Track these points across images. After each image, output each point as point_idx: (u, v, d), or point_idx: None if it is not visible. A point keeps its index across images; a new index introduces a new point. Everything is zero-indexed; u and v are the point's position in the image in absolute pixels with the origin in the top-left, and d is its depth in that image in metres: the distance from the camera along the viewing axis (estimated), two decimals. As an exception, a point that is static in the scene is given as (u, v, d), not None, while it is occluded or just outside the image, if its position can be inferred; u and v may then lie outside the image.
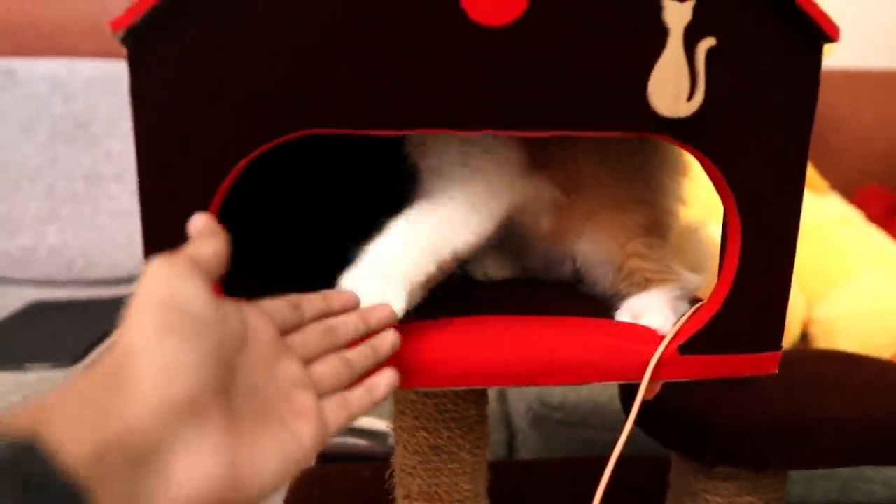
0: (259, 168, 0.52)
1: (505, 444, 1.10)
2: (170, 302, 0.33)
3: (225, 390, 0.35)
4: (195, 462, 0.31)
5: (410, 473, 0.69)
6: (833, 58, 1.70)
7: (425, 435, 0.67)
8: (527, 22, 0.46)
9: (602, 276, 0.64)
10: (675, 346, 0.54)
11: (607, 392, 1.05)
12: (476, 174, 0.57)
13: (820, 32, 0.50)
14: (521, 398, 1.10)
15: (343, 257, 0.54)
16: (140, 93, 0.47)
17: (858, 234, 1.33)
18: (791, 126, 0.51)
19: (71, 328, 1.32)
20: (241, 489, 0.33)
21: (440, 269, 0.55)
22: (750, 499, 0.74)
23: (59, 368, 1.17)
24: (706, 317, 0.54)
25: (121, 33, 0.46)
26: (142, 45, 0.46)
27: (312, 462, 0.39)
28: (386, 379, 0.45)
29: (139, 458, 0.29)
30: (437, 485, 0.68)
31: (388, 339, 0.48)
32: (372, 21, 0.46)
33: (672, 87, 0.48)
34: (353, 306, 0.48)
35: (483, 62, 0.47)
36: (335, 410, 0.42)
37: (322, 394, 0.42)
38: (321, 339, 0.44)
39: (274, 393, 0.39)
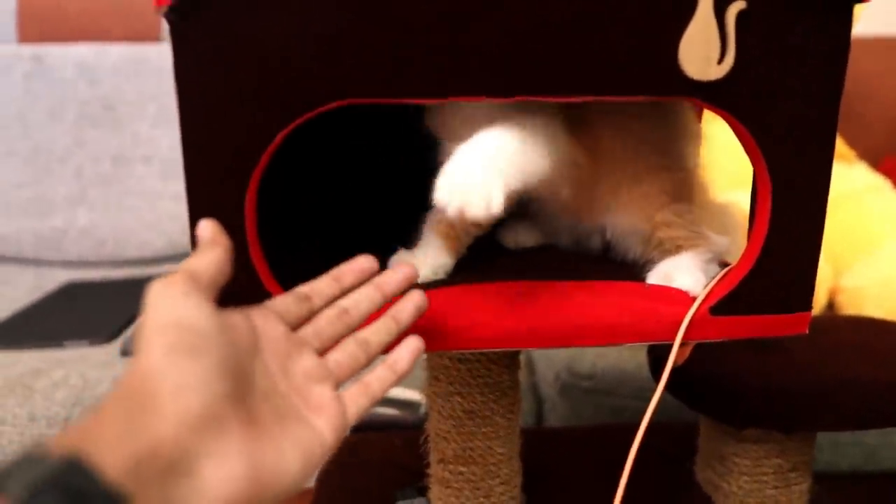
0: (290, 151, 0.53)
1: (533, 413, 1.12)
2: (174, 323, 0.35)
3: (240, 397, 0.36)
4: (221, 467, 0.33)
5: (445, 438, 0.71)
6: (861, 25, 1.67)
7: (459, 400, 0.69)
8: (560, -13, 0.47)
9: (632, 246, 0.65)
10: (706, 307, 0.55)
11: (635, 360, 1.06)
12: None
13: (849, -7, 0.50)
14: (550, 367, 1.11)
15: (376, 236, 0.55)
16: (183, 68, 0.49)
17: (885, 202, 1.32)
18: (821, 88, 0.52)
19: (105, 307, 1.36)
20: (267, 488, 0.35)
21: (520, 190, 0.51)
22: (778, 461, 0.75)
23: (96, 345, 1.21)
24: (737, 278, 0.55)
25: (164, 9, 0.47)
26: (184, 20, 0.48)
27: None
28: (407, 350, 0.46)
29: (169, 467, 0.31)
30: (471, 448, 0.70)
31: (411, 305, 0.47)
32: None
33: (702, 51, 0.49)
34: (367, 275, 0.48)
35: (514, 27, 0.48)
36: (355, 397, 0.43)
37: (341, 381, 0.43)
38: (335, 325, 0.45)
39: (290, 391, 0.40)
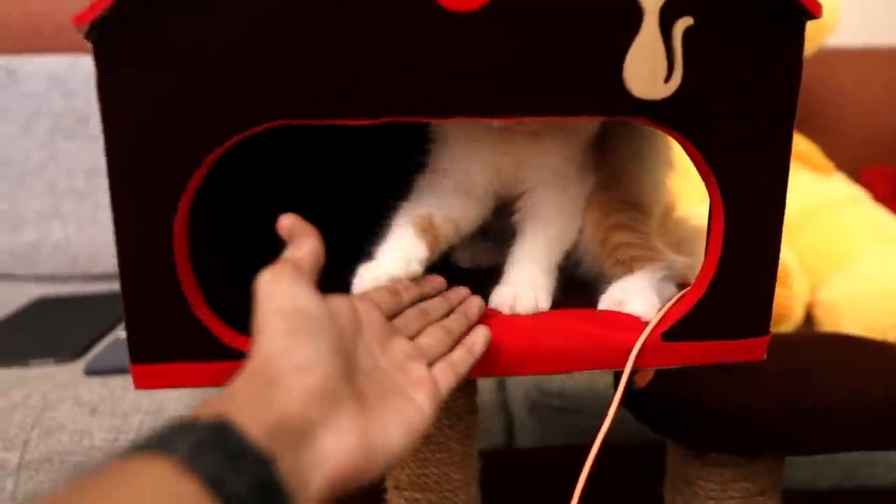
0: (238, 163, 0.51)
1: (504, 432, 1.09)
2: (290, 309, 0.38)
3: (350, 375, 0.39)
4: (337, 438, 0.36)
5: (399, 465, 0.69)
6: (838, 36, 1.67)
7: (413, 426, 0.66)
8: (496, 6, 0.45)
9: (586, 253, 0.63)
10: (658, 332, 0.53)
11: (605, 379, 1.04)
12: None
13: (801, 9, 0.48)
14: (519, 386, 1.09)
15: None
16: (107, 88, 0.47)
17: (863, 214, 1.31)
18: (774, 106, 0.50)
19: (74, 324, 1.33)
20: (375, 459, 0.38)
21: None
22: (746, 485, 0.73)
23: (61, 364, 1.18)
24: (690, 303, 0.53)
25: (85, 28, 0.45)
26: (107, 39, 0.46)
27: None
28: (481, 335, 0.51)
29: (298, 435, 0.34)
30: (426, 475, 0.68)
31: (476, 304, 0.54)
32: (340, 9, 0.45)
33: (648, 69, 0.47)
34: (440, 288, 0.56)
35: (453, 48, 0.46)
36: (444, 373, 0.46)
37: (432, 360, 0.46)
38: (419, 319, 0.50)
39: (391, 368, 0.43)
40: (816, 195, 1.33)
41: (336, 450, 0.36)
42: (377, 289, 0.50)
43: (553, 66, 0.47)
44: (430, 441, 0.67)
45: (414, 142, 0.63)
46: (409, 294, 0.52)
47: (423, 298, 0.54)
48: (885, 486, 1.07)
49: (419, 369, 0.44)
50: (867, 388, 0.71)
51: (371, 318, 0.45)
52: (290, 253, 0.42)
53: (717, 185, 0.51)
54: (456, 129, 0.60)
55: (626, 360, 0.52)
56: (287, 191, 0.74)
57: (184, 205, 0.49)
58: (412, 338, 0.48)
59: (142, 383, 0.53)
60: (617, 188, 0.63)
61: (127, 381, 1.12)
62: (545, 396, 1.05)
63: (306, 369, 0.36)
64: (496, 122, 0.55)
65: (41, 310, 1.43)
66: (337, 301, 0.43)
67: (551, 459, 1.00)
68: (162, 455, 0.29)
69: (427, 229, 0.60)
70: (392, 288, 0.51)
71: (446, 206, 0.61)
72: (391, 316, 0.49)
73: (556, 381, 1.06)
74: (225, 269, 0.59)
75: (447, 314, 0.52)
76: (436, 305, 0.52)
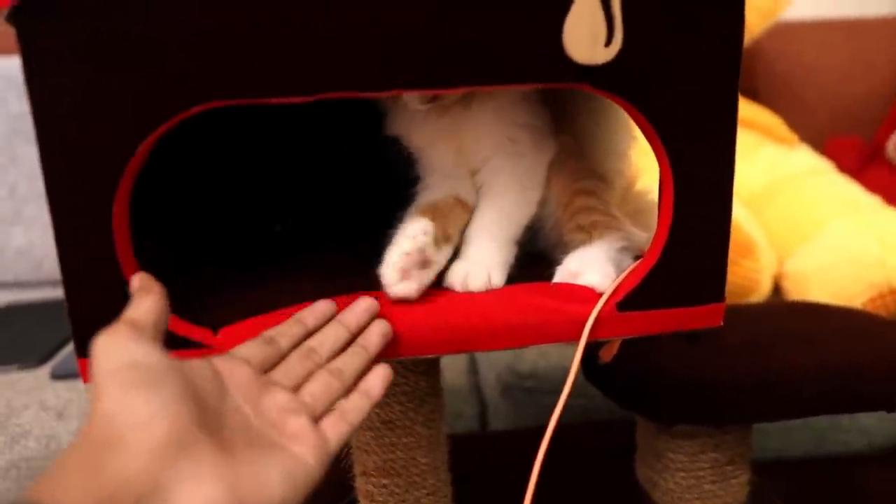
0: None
1: (477, 416, 1.09)
2: (126, 365, 0.35)
3: (209, 427, 0.35)
4: (196, 490, 0.32)
5: (366, 450, 0.68)
6: (800, 9, 1.68)
7: (377, 410, 0.66)
8: (429, -28, 0.44)
9: (548, 218, 0.63)
10: (613, 303, 0.53)
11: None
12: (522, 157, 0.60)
13: (740, -31, 0.48)
14: (491, 369, 1.09)
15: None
16: (33, 74, 0.45)
17: (828, 184, 1.31)
18: (718, 68, 0.50)
19: (40, 329, 1.31)
20: None
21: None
22: (714, 455, 0.73)
23: (26, 370, 1.16)
24: (644, 272, 0.53)
25: (6, 12, 0.44)
26: (30, 23, 0.44)
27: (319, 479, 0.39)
28: (378, 377, 0.46)
29: (143, 497, 0.31)
30: (392, 460, 0.67)
31: (376, 333, 0.49)
32: (267, -18, 0.44)
33: (588, 33, 0.47)
34: (328, 318, 0.49)
35: (387, 18, 0.45)
36: (334, 425, 0.42)
37: (318, 411, 0.42)
38: (304, 363, 0.45)
39: (264, 425, 0.39)
40: (781, 167, 1.34)
41: (197, 502, 0.32)
42: (246, 343, 0.45)
43: (491, 33, 0.46)
44: (395, 425, 0.67)
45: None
46: (288, 338, 0.46)
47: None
48: (854, 452, 1.08)
49: (298, 423, 0.40)
50: (829, 356, 0.71)
51: (237, 378, 0.41)
52: (128, 312, 0.39)
53: (665, 151, 0.50)
54: (411, 116, 0.60)
55: (581, 332, 0.52)
56: (240, 179, 0.73)
57: (122, 193, 0.48)
58: (297, 387, 0.43)
59: (90, 378, 0.52)
60: (583, 156, 0.63)
61: (93, 383, 1.11)
62: (518, 378, 1.05)
63: (147, 423, 0.33)
64: (419, 100, 0.54)
65: (5, 317, 1.41)
66: (194, 363, 0.39)
67: (525, 441, 0.99)
68: None
69: (428, 210, 0.58)
70: (266, 336, 0.46)
71: (443, 189, 0.60)
72: (269, 366, 0.44)
73: (529, 363, 1.06)
74: (176, 259, 0.57)
75: (348, 343, 0.47)
76: (325, 339, 0.47)
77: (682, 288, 0.53)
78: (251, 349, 0.44)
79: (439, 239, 0.55)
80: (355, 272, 0.55)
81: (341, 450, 0.70)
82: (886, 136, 1.56)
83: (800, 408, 0.70)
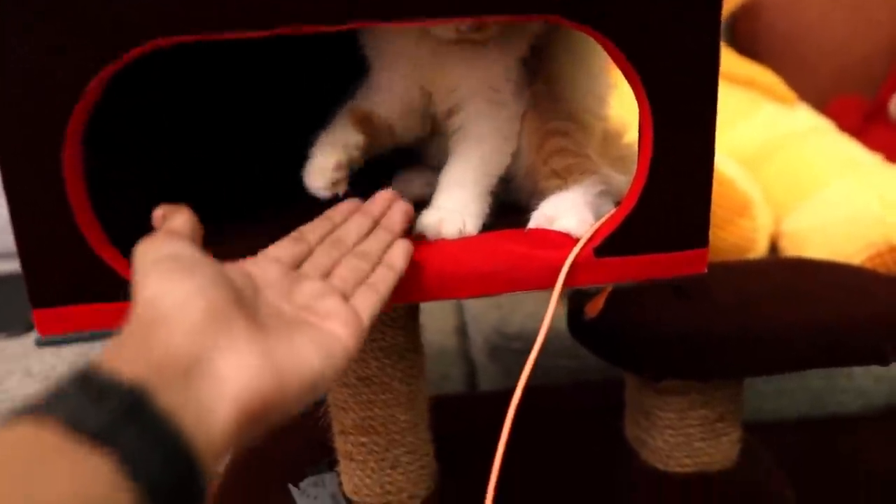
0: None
1: (465, 377, 1.07)
2: (165, 256, 0.37)
3: (245, 307, 0.37)
4: (233, 361, 0.34)
5: (343, 408, 0.66)
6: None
7: (353, 366, 0.64)
8: None
9: (521, 167, 0.60)
10: (590, 248, 0.51)
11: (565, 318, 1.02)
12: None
13: None
14: (479, 330, 1.07)
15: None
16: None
17: (827, 143, 1.28)
18: (700, 2, 0.47)
19: (25, 298, 1.30)
20: (286, 381, 0.35)
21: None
22: (703, 412, 0.72)
23: (12, 337, 1.15)
24: (622, 215, 0.50)
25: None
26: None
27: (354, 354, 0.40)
28: (400, 249, 0.48)
29: (188, 368, 0.33)
30: (371, 417, 0.66)
31: (398, 212, 0.51)
32: None
33: (559, -40, 0.44)
34: (354, 210, 0.52)
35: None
36: (364, 298, 0.44)
37: (349, 292, 0.44)
38: (331, 253, 0.47)
39: (297, 310, 0.41)
40: (780, 126, 1.31)
41: (237, 372, 0.34)
42: (276, 244, 0.47)
43: (456, -40, 0.43)
44: (373, 382, 0.65)
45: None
46: (316, 234, 0.49)
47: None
48: (852, 412, 1.07)
49: (329, 303, 0.41)
50: (820, 309, 0.69)
51: (268, 276, 0.42)
52: (164, 226, 0.41)
53: (643, 87, 0.48)
54: (387, 38, 0.57)
55: (556, 278, 0.50)
56: (199, 122, 0.70)
57: (72, 135, 0.45)
58: (327, 274, 0.45)
59: (46, 329, 0.50)
60: (557, 98, 0.60)
61: (81, 350, 1.10)
62: (506, 340, 1.03)
63: (187, 302, 0.35)
64: (450, 30, 0.51)
65: (-7, 286, 1.40)
66: (227, 264, 0.41)
67: (509, 402, 0.98)
68: (27, 414, 0.28)
69: (363, 121, 0.58)
70: (294, 235, 0.48)
71: (383, 109, 0.59)
72: (299, 262, 0.46)
73: (517, 324, 1.04)
74: (131, 205, 0.55)
75: (370, 230, 0.50)
76: (351, 229, 0.49)
77: (663, 232, 0.51)
78: (280, 249, 0.46)
79: (360, 157, 0.56)
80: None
81: (318, 408, 0.69)
82: (889, 95, 1.53)
83: (789, 362, 0.68)
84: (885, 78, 1.57)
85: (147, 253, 0.37)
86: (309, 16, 0.44)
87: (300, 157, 0.56)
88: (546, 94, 0.59)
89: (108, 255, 0.48)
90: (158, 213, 0.41)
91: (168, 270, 0.36)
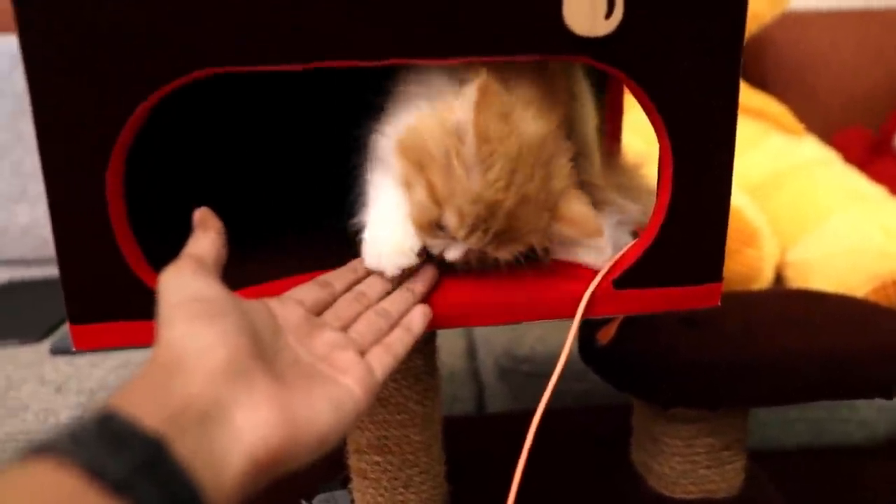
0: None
1: (475, 399, 1.09)
2: (190, 297, 0.37)
3: (265, 359, 0.38)
4: (251, 414, 0.34)
5: (359, 427, 0.67)
6: (811, -2, 1.64)
7: (371, 387, 0.65)
8: (428, -60, 0.44)
9: None
10: (610, 280, 0.52)
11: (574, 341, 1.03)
12: None
13: (745, -59, 0.47)
14: (489, 352, 1.08)
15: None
16: (28, 33, 0.45)
17: (833, 175, 1.30)
18: (720, 42, 0.49)
19: (42, 305, 1.31)
20: (300, 436, 0.36)
21: None
22: (710, 440, 0.73)
23: (27, 344, 1.17)
24: (641, 249, 0.52)
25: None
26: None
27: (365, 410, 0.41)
28: (419, 314, 0.49)
29: (204, 416, 0.33)
30: (386, 437, 0.67)
31: (423, 278, 0.52)
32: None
33: (588, 4, 0.46)
34: None
35: (384, -15, 0.44)
36: (379, 356, 0.44)
37: (365, 347, 0.45)
38: (353, 305, 0.48)
39: (315, 360, 0.42)
40: (788, 157, 1.33)
41: (252, 425, 0.34)
42: (301, 286, 0.48)
43: (492, 4, 0.45)
44: (389, 403, 0.66)
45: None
46: (341, 281, 0.50)
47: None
48: (854, 444, 1.08)
49: (346, 356, 0.42)
50: (826, 342, 0.71)
51: (290, 318, 0.43)
52: (190, 248, 0.41)
53: (665, 127, 0.50)
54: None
55: (576, 308, 0.51)
56: (234, 145, 0.72)
57: (116, 160, 0.47)
58: (345, 327, 0.46)
59: (82, 344, 0.52)
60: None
61: (94, 359, 1.11)
62: (515, 362, 1.05)
63: (209, 350, 0.35)
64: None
65: (8, 293, 1.41)
66: (251, 302, 0.41)
67: (522, 424, 0.99)
68: (45, 454, 0.29)
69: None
70: (321, 280, 0.49)
71: None
72: (322, 309, 0.47)
73: (526, 347, 1.05)
74: (169, 225, 0.57)
75: (390, 290, 0.50)
76: (375, 284, 0.50)
77: (680, 266, 0.53)
78: (305, 292, 0.47)
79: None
80: (344, 249, 0.55)
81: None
82: (893, 128, 1.55)
83: (796, 393, 0.69)
84: (890, 111, 1.59)
85: (172, 289, 0.38)
86: (347, 53, 0.46)
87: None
88: None
89: (144, 273, 0.50)
90: (197, 215, 0.43)
91: (193, 314, 0.37)
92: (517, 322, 0.53)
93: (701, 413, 0.71)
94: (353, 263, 0.52)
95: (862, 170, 1.42)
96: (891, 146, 1.54)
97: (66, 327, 1.21)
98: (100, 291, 0.50)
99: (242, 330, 0.37)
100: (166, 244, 0.51)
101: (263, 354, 0.38)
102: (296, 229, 0.65)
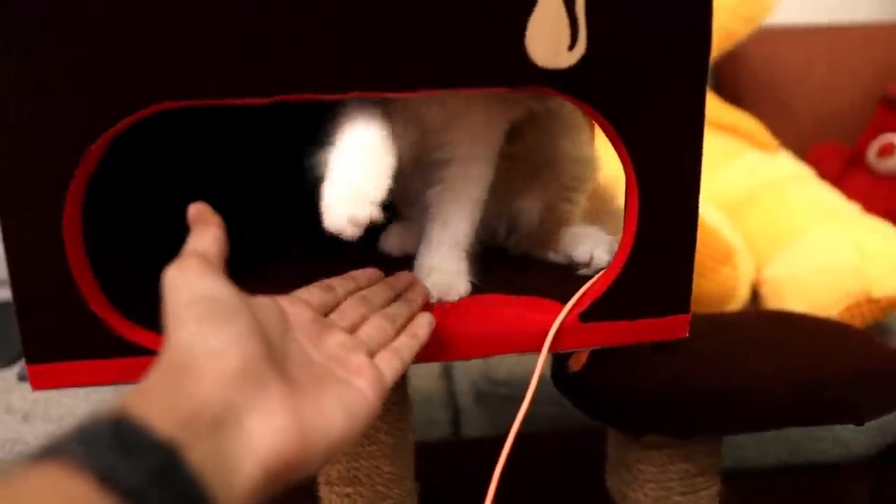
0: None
1: (450, 422, 1.08)
2: (200, 297, 0.36)
3: (276, 361, 0.37)
4: (265, 419, 0.34)
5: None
6: (785, 14, 1.68)
7: (340, 419, 0.64)
8: (389, -26, 0.43)
9: (532, 218, 0.65)
10: (576, 313, 0.52)
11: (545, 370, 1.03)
12: None
13: (707, -26, 0.47)
14: (466, 375, 1.08)
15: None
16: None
17: (807, 192, 1.31)
18: (684, 73, 0.49)
19: (8, 330, 1.28)
20: (313, 441, 0.35)
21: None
22: (684, 466, 0.73)
23: (-4, 369, 1.14)
24: (607, 282, 0.52)
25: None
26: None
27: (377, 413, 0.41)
28: (425, 321, 0.49)
29: (217, 422, 0.32)
30: (356, 468, 0.66)
31: (419, 291, 0.53)
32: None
33: (551, 37, 0.46)
34: (376, 279, 0.53)
35: (349, 19, 0.44)
36: (388, 360, 0.44)
37: (374, 350, 0.45)
38: (359, 308, 0.48)
39: (327, 361, 0.41)
40: (762, 173, 1.34)
41: (265, 432, 0.34)
42: (306, 288, 0.48)
43: (453, 36, 0.45)
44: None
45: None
46: (343, 287, 0.49)
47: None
48: (830, 461, 1.08)
49: (358, 358, 0.42)
50: (795, 366, 0.70)
51: (300, 317, 0.43)
52: (193, 244, 0.40)
53: (630, 159, 0.49)
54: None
55: (544, 342, 0.51)
56: (191, 180, 0.71)
57: (73, 195, 0.46)
58: (352, 329, 0.46)
59: (40, 384, 0.51)
60: (553, 167, 0.64)
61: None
62: (492, 385, 1.04)
63: (222, 352, 0.35)
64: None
65: (-22, 315, 1.38)
66: (260, 300, 0.41)
67: (498, 449, 0.98)
68: (56, 458, 0.28)
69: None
70: (324, 283, 0.49)
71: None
72: (327, 311, 0.47)
73: (503, 370, 1.05)
74: (127, 262, 0.56)
75: (391, 301, 0.51)
76: (377, 292, 0.50)
77: (647, 299, 0.52)
78: (311, 293, 0.47)
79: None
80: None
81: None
82: (867, 143, 1.56)
83: (767, 420, 0.69)
84: (865, 126, 1.61)
85: (179, 288, 0.37)
86: (307, 86, 0.45)
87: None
88: (544, 162, 0.61)
89: (103, 312, 0.49)
90: (193, 210, 0.41)
91: (204, 315, 0.36)
92: (486, 356, 0.52)
93: (674, 440, 0.71)
94: (353, 273, 0.52)
95: (836, 185, 1.43)
96: (865, 161, 1.55)
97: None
98: (58, 330, 0.49)
99: (254, 332, 0.37)
100: (128, 283, 0.50)
101: (275, 356, 0.38)
102: (274, 260, 0.64)
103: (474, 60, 0.46)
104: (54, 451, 0.28)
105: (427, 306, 0.53)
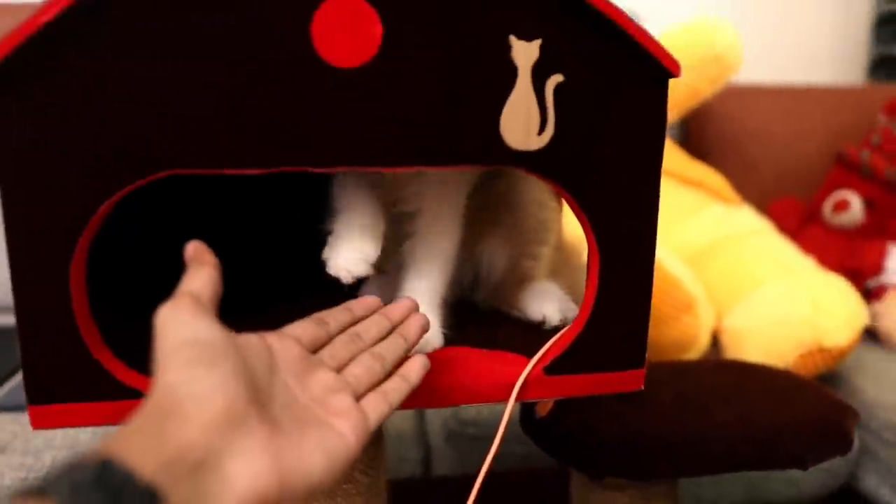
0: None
1: (421, 461, 1.11)
2: (189, 340, 0.38)
3: (260, 403, 0.38)
4: (246, 463, 0.35)
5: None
6: (750, 73, 1.77)
7: (318, 458, 0.68)
8: (378, 64, 0.48)
9: (497, 271, 0.69)
10: (541, 367, 0.57)
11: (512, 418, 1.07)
12: None
13: (662, 69, 0.53)
14: (437, 414, 1.11)
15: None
16: (3, 133, 0.48)
17: (766, 245, 1.38)
18: (641, 155, 0.54)
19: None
20: (292, 484, 0.37)
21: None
22: (642, 506, 0.77)
23: (-25, 398, 1.14)
24: (570, 339, 0.57)
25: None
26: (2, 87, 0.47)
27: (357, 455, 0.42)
28: (419, 364, 0.49)
29: (198, 465, 0.34)
30: (331, 507, 0.69)
31: (416, 324, 0.52)
32: (226, 62, 0.47)
33: (523, 123, 0.51)
34: (374, 309, 0.53)
35: (337, 102, 0.49)
36: (375, 403, 0.45)
37: (360, 392, 0.45)
38: (349, 346, 0.48)
39: (309, 402, 0.42)
40: (725, 226, 1.41)
41: (245, 474, 0.35)
42: (298, 322, 0.48)
43: (434, 120, 0.50)
44: (336, 473, 0.69)
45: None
46: (336, 322, 0.50)
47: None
48: (783, 500, 1.13)
49: (341, 400, 0.43)
50: (752, 413, 0.76)
51: (288, 355, 0.44)
52: (187, 284, 0.41)
53: (592, 229, 0.55)
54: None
55: (510, 393, 0.56)
56: (191, 230, 0.75)
57: (80, 249, 0.50)
58: (341, 367, 0.47)
59: (39, 424, 0.54)
60: (515, 223, 0.68)
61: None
62: (462, 425, 1.08)
63: (207, 397, 0.36)
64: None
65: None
66: (247, 338, 0.42)
67: (468, 487, 1.02)
68: (40, 497, 0.29)
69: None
70: (317, 317, 0.49)
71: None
72: (317, 346, 0.47)
73: (472, 411, 1.09)
74: (126, 307, 0.60)
75: (388, 333, 0.51)
76: (369, 327, 0.50)
77: (606, 354, 0.57)
78: (302, 328, 0.47)
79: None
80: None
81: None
82: (823, 199, 1.65)
83: (720, 465, 0.74)
84: (821, 183, 1.69)
85: (170, 329, 0.38)
86: (299, 160, 0.50)
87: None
88: (506, 218, 0.66)
89: (104, 358, 0.52)
90: (190, 249, 0.43)
91: (191, 358, 0.37)
92: (455, 405, 0.57)
93: (633, 482, 0.76)
94: (349, 304, 0.52)
95: (794, 238, 1.51)
96: (821, 216, 1.63)
97: (11, 383, 1.19)
98: (59, 374, 0.52)
99: (240, 373, 0.38)
100: (127, 329, 0.54)
101: (259, 398, 0.39)
102: (268, 306, 0.68)
103: (454, 141, 0.51)
104: (39, 491, 0.30)
105: None
